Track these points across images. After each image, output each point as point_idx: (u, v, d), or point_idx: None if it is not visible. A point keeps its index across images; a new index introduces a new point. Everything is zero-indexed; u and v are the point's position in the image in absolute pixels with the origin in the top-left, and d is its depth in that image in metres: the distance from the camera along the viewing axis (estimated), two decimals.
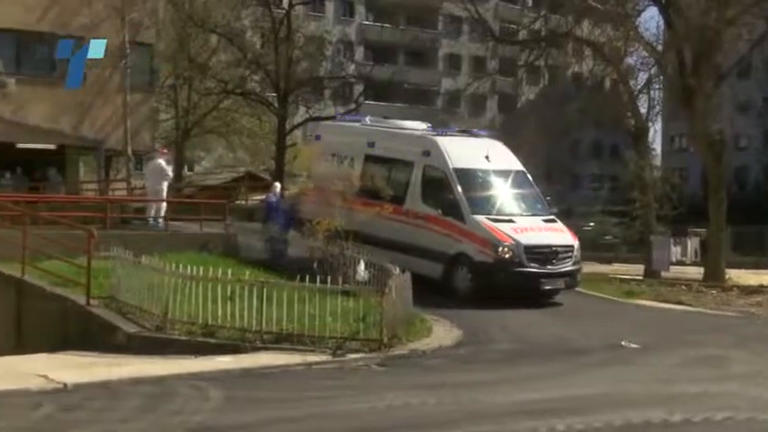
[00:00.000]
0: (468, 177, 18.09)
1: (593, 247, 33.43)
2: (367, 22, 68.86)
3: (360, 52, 65.92)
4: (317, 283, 13.20)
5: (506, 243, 17.10)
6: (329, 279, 13.43)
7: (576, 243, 18.06)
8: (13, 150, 31.69)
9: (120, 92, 31.04)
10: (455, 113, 67.10)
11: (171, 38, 39.68)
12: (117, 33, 31.17)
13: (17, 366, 11.62)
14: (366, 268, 15.97)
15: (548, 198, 19.37)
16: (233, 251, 19.25)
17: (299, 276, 13.23)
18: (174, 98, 42.44)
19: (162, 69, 39.91)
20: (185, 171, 49.11)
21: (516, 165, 19.11)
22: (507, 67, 54.06)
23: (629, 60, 30.70)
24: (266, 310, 12.81)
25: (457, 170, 18.01)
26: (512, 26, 48.25)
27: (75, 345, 13.36)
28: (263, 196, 20.04)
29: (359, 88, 45.35)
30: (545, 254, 17.38)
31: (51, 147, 32.54)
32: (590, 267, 22.60)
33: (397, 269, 14.77)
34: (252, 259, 18.60)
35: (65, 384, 10.50)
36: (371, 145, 19.29)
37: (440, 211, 17.75)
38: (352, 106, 42.93)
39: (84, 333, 13.75)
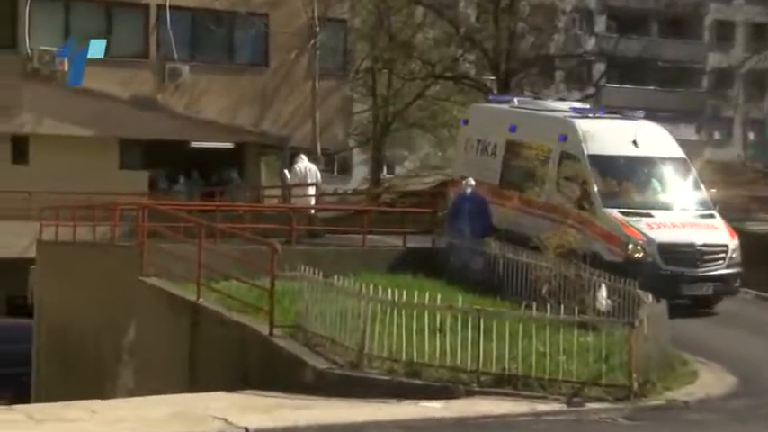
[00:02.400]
0: (606, 165, 18.97)
1: None
2: None
3: (601, 23, 64.93)
4: (547, 313, 13.07)
5: (637, 240, 17.54)
6: (562, 308, 13.25)
7: (732, 242, 18.27)
8: (186, 150, 33.41)
9: (309, 78, 32.06)
10: (726, 97, 64.84)
11: (368, 12, 40.59)
12: (305, 8, 32.25)
13: (192, 406, 12.11)
14: (609, 295, 15.68)
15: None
16: (442, 270, 19.39)
17: (523, 304, 13.12)
18: (371, 85, 43.29)
19: (357, 50, 40.91)
20: (384, 173, 50.02)
21: (674, 152, 19.68)
22: None
23: None
24: (484, 346, 12.79)
25: (593, 156, 18.89)
26: None
27: (256, 381, 13.76)
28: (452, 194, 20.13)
29: (599, 68, 44.74)
30: (686, 254, 17.77)
31: (229, 145, 34.05)
32: None
33: (650, 296, 14.43)
34: (465, 280, 18.62)
35: (246, 429, 10.84)
36: (513, 129, 20.60)
37: (573, 204, 18.59)
38: (591, 91, 42.32)
39: (267, 368, 14.16)
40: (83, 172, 30.83)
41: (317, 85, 30.68)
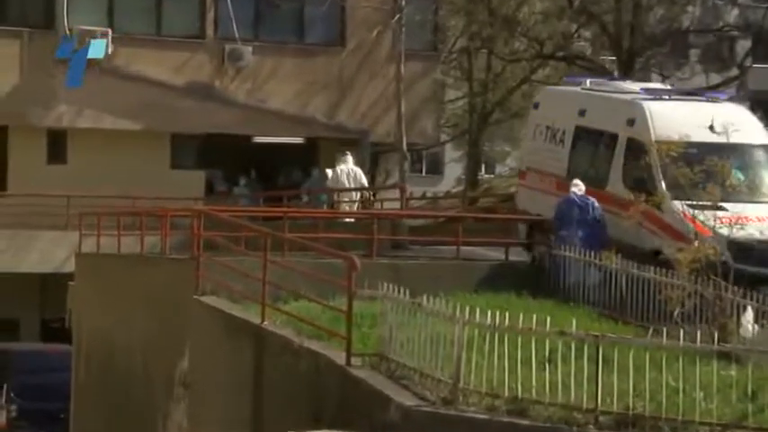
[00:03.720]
0: (676, 152, 19.34)
1: None
2: None
3: None
4: (681, 341, 12.92)
5: (704, 236, 17.80)
6: (698, 334, 13.07)
7: None
8: (249, 146, 33.70)
9: (392, 61, 32.12)
10: None
11: None
12: None
13: None
14: (757, 319, 15.45)
15: None
16: (552, 289, 19.31)
17: (651, 329, 12.96)
18: (466, 68, 43.26)
19: (450, 27, 40.89)
20: (482, 173, 49.91)
21: (758, 138, 20.22)
22: None
23: None
24: (603, 380, 12.67)
25: (661, 143, 19.40)
26: None
27: (331, 419, 13.79)
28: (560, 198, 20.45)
29: (744, 45, 44.01)
30: (763, 252, 18.13)
31: (298, 140, 34.26)
32: None
33: None
34: (580, 301, 18.62)
35: None
36: (582, 114, 21.51)
37: (638, 195, 18.99)
38: (734, 72, 41.72)
39: (343, 404, 14.17)
40: (128, 172, 31.28)
41: (402, 68, 30.71)
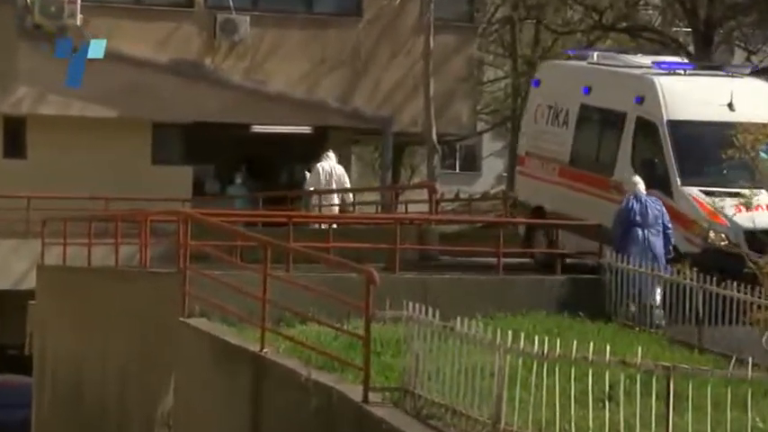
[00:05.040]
0: (690, 133, 21.05)
1: None
2: None
3: None
4: None
5: (719, 226, 19.33)
6: None
7: None
8: (246, 137, 33.72)
9: (419, 33, 32.06)
10: None
11: None
12: None
13: None
14: None
15: None
16: (612, 309, 19.40)
17: (733, 359, 12.87)
18: (509, 42, 43.26)
19: None
20: None
21: None
22: None
23: None
24: (675, 420, 12.64)
25: (674, 122, 21.04)
26: None
27: None
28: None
29: None
30: None
31: (305, 130, 34.26)
32: None
33: None
34: (646, 324, 18.72)
35: None
36: (587, 91, 22.77)
37: (647, 181, 20.15)
38: None
39: None
40: (101, 169, 31.34)
41: (431, 42, 30.65)
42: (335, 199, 28.82)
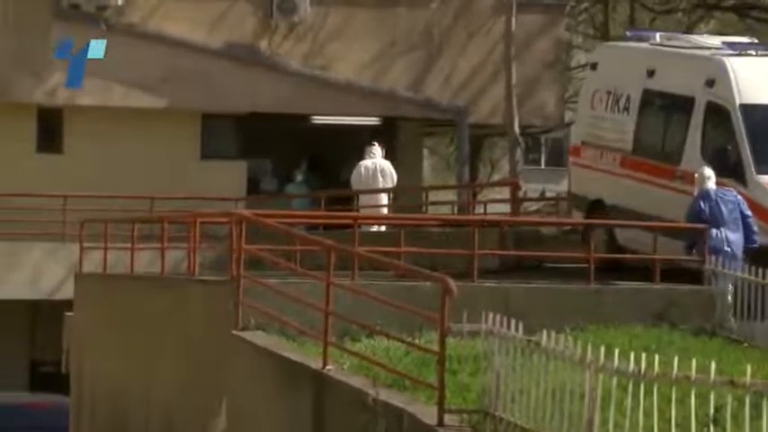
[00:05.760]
0: (765, 117, 21.39)
1: None
2: None
3: None
4: None
5: None
6: None
7: None
8: (306, 129, 33.73)
9: (500, 13, 32.07)
10: None
11: None
12: None
13: None
14: None
15: None
16: (717, 321, 19.32)
17: None
18: (601, 22, 43.14)
19: None
20: None
21: None
22: None
23: None
24: None
25: (746, 107, 21.31)
26: None
27: None
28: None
29: None
30: None
31: (372, 122, 34.24)
32: None
33: None
34: (756, 339, 18.68)
35: None
36: (651, 74, 23.19)
37: (719, 171, 20.56)
38: None
39: None
40: (145, 164, 31.44)
41: (513, 23, 30.58)
42: (383, 199, 28.77)
